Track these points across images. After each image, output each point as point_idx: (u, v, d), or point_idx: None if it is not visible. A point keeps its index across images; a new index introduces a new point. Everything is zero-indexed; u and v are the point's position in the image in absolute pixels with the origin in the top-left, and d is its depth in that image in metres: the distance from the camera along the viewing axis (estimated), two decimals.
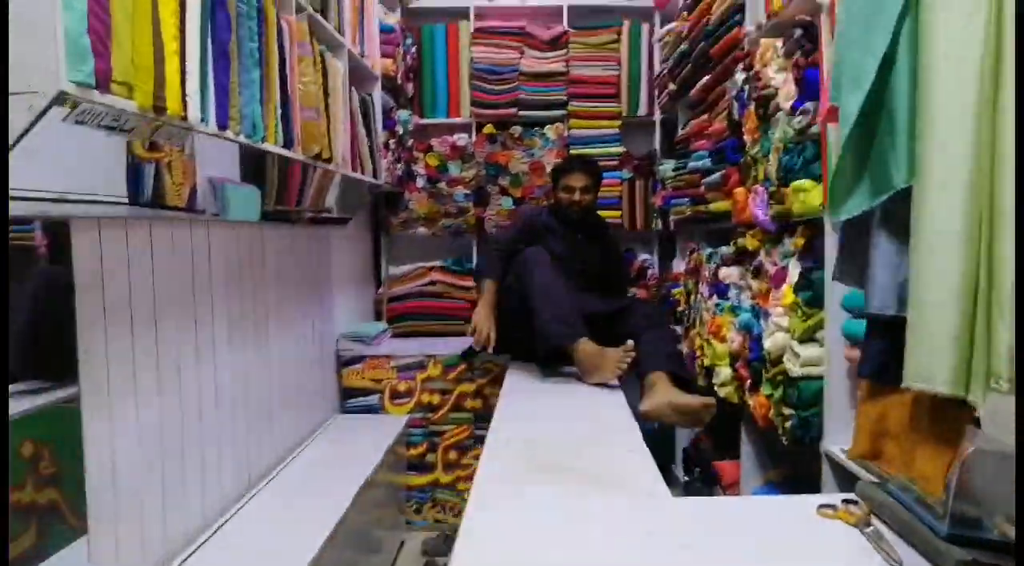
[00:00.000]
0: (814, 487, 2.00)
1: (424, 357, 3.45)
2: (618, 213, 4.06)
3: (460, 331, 3.97)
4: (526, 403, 2.38)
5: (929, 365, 0.91)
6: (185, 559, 1.86)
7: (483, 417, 3.42)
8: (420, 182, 4.08)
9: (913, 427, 0.98)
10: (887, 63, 0.92)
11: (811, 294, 2.00)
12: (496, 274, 2.98)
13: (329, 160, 2.62)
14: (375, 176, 3.34)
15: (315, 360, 3.09)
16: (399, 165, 3.88)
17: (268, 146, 2.04)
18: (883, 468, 1.01)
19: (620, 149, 4.09)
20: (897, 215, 0.96)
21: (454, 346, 3.55)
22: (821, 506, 1.39)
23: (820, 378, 1.98)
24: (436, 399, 3.43)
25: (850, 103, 0.94)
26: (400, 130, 3.77)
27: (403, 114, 3.82)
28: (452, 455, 3.44)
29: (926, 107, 0.90)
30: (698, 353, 2.92)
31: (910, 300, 0.93)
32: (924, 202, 0.91)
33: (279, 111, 2.12)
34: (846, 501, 1.40)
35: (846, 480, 1.88)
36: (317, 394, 3.10)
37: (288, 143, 2.21)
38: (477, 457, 3.37)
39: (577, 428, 2.01)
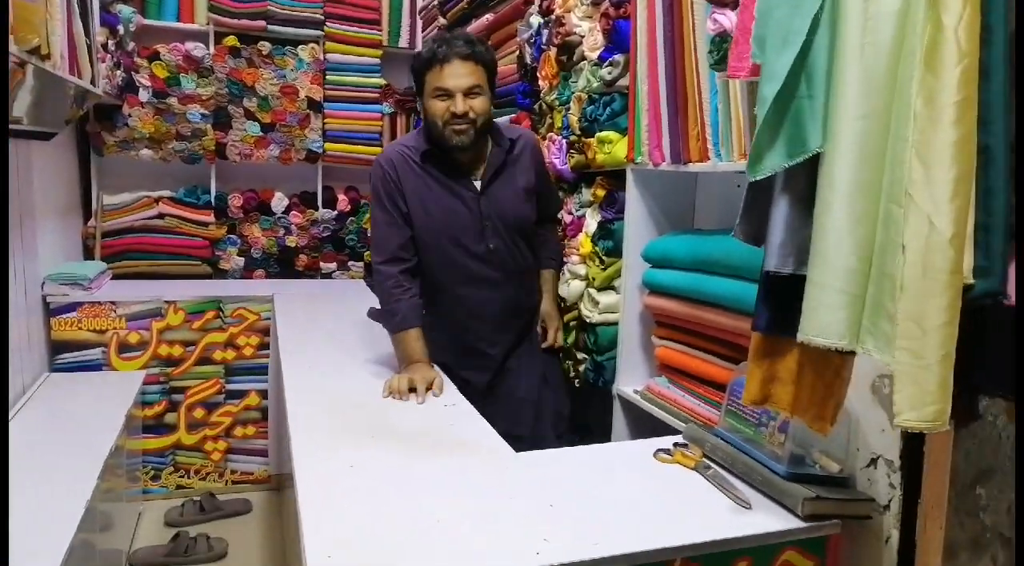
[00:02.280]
0: (604, 432, 2.11)
1: (161, 303, 2.96)
2: (379, 150, 3.85)
3: (199, 272, 3.51)
4: (314, 354, 2.16)
5: (827, 321, 0.95)
6: None
7: (237, 370, 3.07)
8: (144, 95, 3.44)
9: (800, 373, 1.04)
10: (813, 25, 0.92)
11: (611, 244, 2.06)
12: (410, 318, 1.91)
13: (47, 57, 2.06)
14: (93, 82, 2.73)
15: (18, 309, 2.48)
16: (119, 72, 3.23)
17: None
18: (774, 409, 1.07)
19: (381, 81, 3.85)
20: (800, 177, 0.98)
21: (196, 290, 3.11)
22: (658, 451, 1.45)
23: (615, 324, 2.07)
24: (177, 351, 2.98)
25: (778, 62, 0.93)
26: (121, 30, 3.12)
27: (125, 10, 3.17)
28: (198, 413, 3.04)
29: (840, 78, 0.92)
30: None
31: (811, 259, 0.97)
32: (832, 167, 0.94)
33: None
34: (676, 444, 1.48)
35: (638, 421, 2.02)
36: (21, 350, 2.50)
37: None
38: (229, 414, 3.06)
39: (380, 382, 1.86)
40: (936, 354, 0.92)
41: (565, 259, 2.24)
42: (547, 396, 2.14)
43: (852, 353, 1.02)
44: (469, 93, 1.87)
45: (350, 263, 3.88)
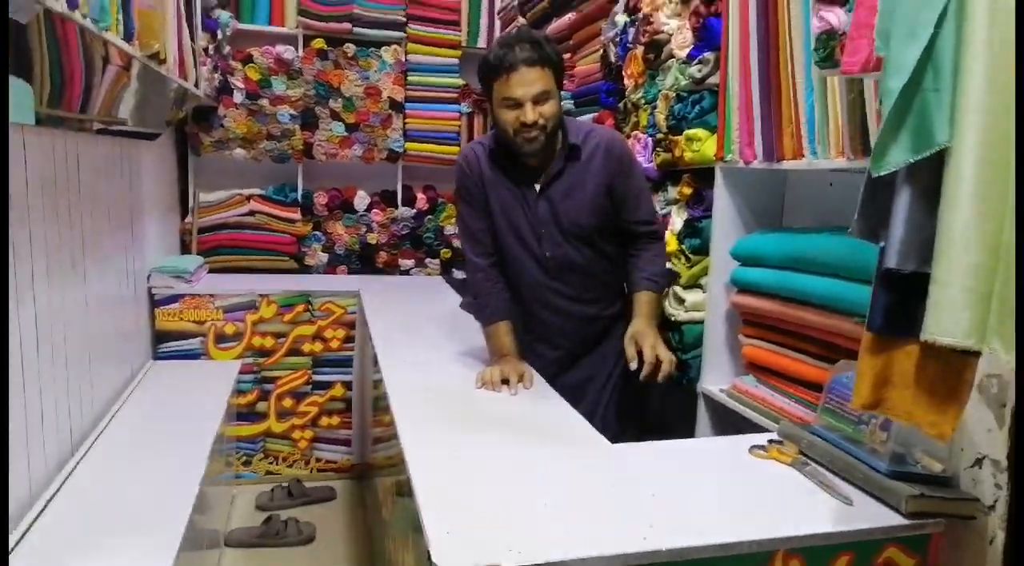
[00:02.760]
0: (686, 431, 2.12)
1: (255, 296, 3.11)
2: (457, 149, 3.93)
3: (285, 267, 3.66)
4: (405, 348, 2.24)
5: (953, 320, 0.95)
6: (24, 533, 1.51)
7: (324, 362, 3.20)
8: (238, 97, 3.61)
9: (919, 376, 1.03)
10: (940, 17, 0.92)
11: (698, 242, 2.07)
12: (500, 311, 1.97)
13: (163, 61, 2.20)
14: (196, 85, 2.89)
15: (129, 299, 2.65)
16: (216, 75, 3.40)
17: (111, 37, 1.64)
18: (888, 415, 1.07)
19: (460, 81, 3.93)
20: (924, 173, 0.98)
21: (286, 284, 3.25)
22: (753, 447, 1.46)
23: (701, 322, 2.07)
24: (269, 342, 3.13)
25: (905, 55, 0.93)
26: (220, 35, 3.28)
27: (223, 15, 3.33)
28: (287, 402, 3.18)
29: (966, 71, 0.92)
30: None
31: (936, 257, 0.97)
32: (959, 162, 0.94)
33: None
34: (771, 441, 1.49)
35: (722, 419, 2.02)
36: (131, 339, 2.67)
37: (127, 35, 1.80)
38: (315, 405, 3.18)
39: (473, 371, 1.92)
40: None
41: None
42: (605, 399, 2.08)
43: (976, 354, 1.01)
44: (538, 100, 1.80)
45: (427, 260, 3.97)
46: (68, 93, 1.86)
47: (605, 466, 1.39)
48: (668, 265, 2.15)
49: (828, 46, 1.28)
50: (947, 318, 0.96)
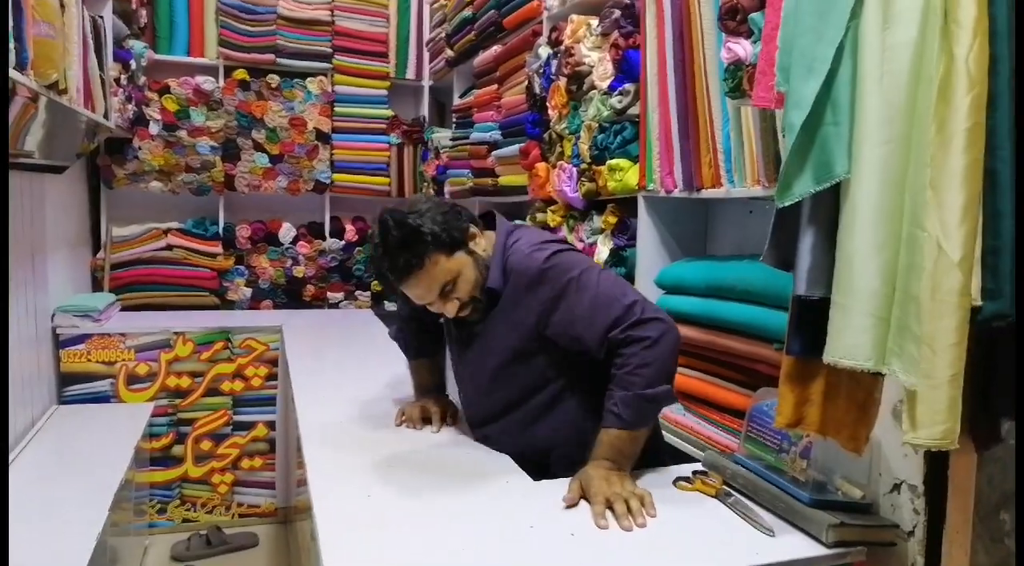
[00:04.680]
0: None
1: (170, 334, 2.96)
2: (387, 180, 3.88)
3: (206, 303, 3.51)
4: (326, 385, 2.15)
5: (853, 343, 0.96)
6: None
7: (245, 401, 3.06)
8: (154, 129, 3.48)
9: (833, 394, 1.04)
10: (837, 54, 0.93)
11: (624, 270, 2.07)
12: (425, 350, 1.89)
13: (64, 91, 2.09)
14: (106, 116, 2.77)
15: (29, 339, 2.48)
16: (130, 106, 3.27)
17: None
18: (807, 432, 1.06)
19: (388, 112, 3.89)
20: (827, 203, 0.99)
21: (205, 321, 3.11)
22: (677, 479, 1.44)
23: None
24: (186, 382, 2.97)
25: (804, 90, 0.94)
26: (133, 65, 3.17)
27: (137, 45, 3.22)
28: (205, 445, 3.02)
29: (862, 106, 0.94)
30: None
31: (836, 283, 0.98)
32: (856, 192, 0.95)
33: (11, 22, 1.61)
34: (696, 472, 1.47)
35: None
36: (31, 381, 2.50)
37: (21, 65, 1.70)
38: (236, 446, 3.04)
39: (395, 408, 1.85)
40: (945, 374, 0.93)
41: None
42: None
43: (881, 375, 1.02)
44: (444, 292, 1.52)
45: (357, 293, 3.88)
46: None
47: (526, 505, 1.33)
48: None
49: (736, 76, 1.30)
50: (847, 341, 0.96)
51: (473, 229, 1.58)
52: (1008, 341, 1.00)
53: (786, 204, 0.99)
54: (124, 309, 3.28)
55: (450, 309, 1.55)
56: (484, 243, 1.60)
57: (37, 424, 2.46)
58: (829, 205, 1.00)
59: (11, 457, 2.12)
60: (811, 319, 1.03)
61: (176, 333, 2.96)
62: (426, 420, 1.76)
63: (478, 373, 1.67)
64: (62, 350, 2.80)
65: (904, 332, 0.95)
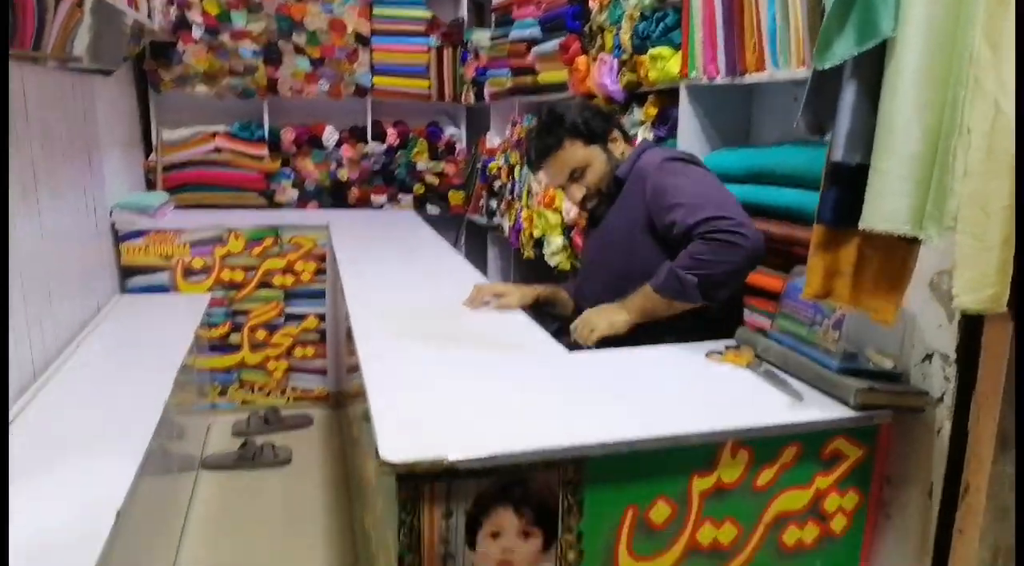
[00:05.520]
0: None
1: (222, 231, 3.07)
2: (427, 83, 3.86)
3: (255, 204, 3.61)
4: (372, 275, 2.23)
5: (891, 208, 0.96)
6: None
7: (296, 295, 3.18)
8: (197, 32, 3.49)
9: (864, 265, 1.05)
10: None
11: None
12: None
13: None
14: (149, 16, 2.79)
15: (90, 234, 2.60)
16: (172, 9, 3.28)
17: None
18: (836, 303, 1.08)
19: (427, 13, 3.83)
20: (869, 65, 0.98)
21: (255, 219, 3.20)
22: (710, 352, 1.48)
23: None
24: (239, 276, 3.10)
25: None
26: None
27: None
28: (260, 334, 3.17)
29: None
30: (525, 225, 2.93)
31: (877, 147, 0.97)
32: (902, 52, 0.93)
33: None
34: (728, 347, 1.51)
35: None
36: (95, 273, 2.64)
37: None
38: (289, 336, 3.18)
39: (441, 294, 1.92)
40: (998, 236, 0.93)
41: None
42: None
43: (917, 242, 1.03)
44: (574, 177, 1.72)
45: (400, 196, 3.93)
46: (20, 31, 1.80)
47: (561, 372, 1.40)
48: None
49: None
50: (885, 205, 0.97)
51: (616, 133, 1.77)
52: None
53: (826, 66, 0.98)
54: (177, 207, 3.39)
55: (576, 193, 1.74)
56: (623, 148, 1.78)
57: (103, 310, 2.61)
58: (871, 67, 0.98)
59: (78, 339, 2.26)
60: (846, 186, 1.03)
61: (228, 229, 3.07)
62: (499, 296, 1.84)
63: (593, 250, 1.87)
64: (122, 244, 2.93)
65: (943, 194, 0.95)
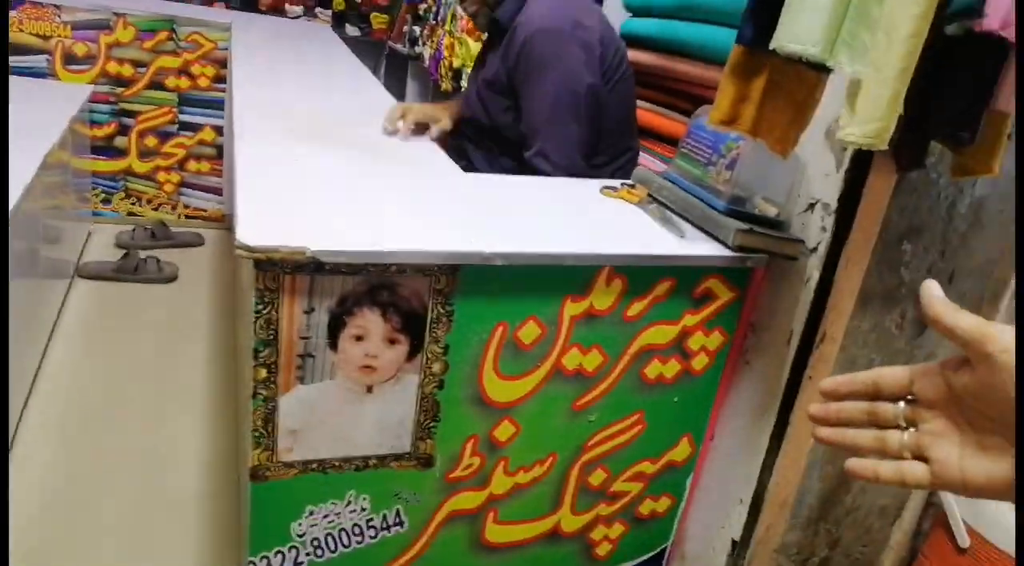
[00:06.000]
0: None
1: (110, 14, 2.75)
2: None
3: None
4: (269, 83, 2.06)
5: (804, 27, 0.91)
6: None
7: (191, 101, 2.94)
8: None
9: (771, 93, 1.01)
10: None
11: None
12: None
13: None
14: None
15: None
16: None
17: None
18: (739, 130, 1.05)
19: None
20: None
21: (147, 4, 2.88)
22: (604, 187, 1.46)
23: None
24: (128, 71, 2.82)
25: None
26: None
27: None
28: (150, 141, 2.94)
29: None
30: (446, 54, 2.77)
31: None
32: None
33: None
34: (624, 183, 1.49)
35: None
36: None
37: None
38: (182, 146, 2.98)
39: (348, 108, 1.79)
40: (896, 66, 0.89)
41: None
42: None
43: (826, 73, 0.99)
44: None
45: (317, 9, 3.63)
46: None
47: (452, 189, 1.35)
48: None
49: None
50: (798, 25, 0.92)
51: None
52: (964, 55, 0.96)
53: None
54: None
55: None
56: None
57: None
58: None
59: None
60: (770, 7, 0.96)
61: (116, 14, 2.75)
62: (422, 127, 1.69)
63: (470, 92, 1.77)
64: None
65: (862, 18, 0.90)
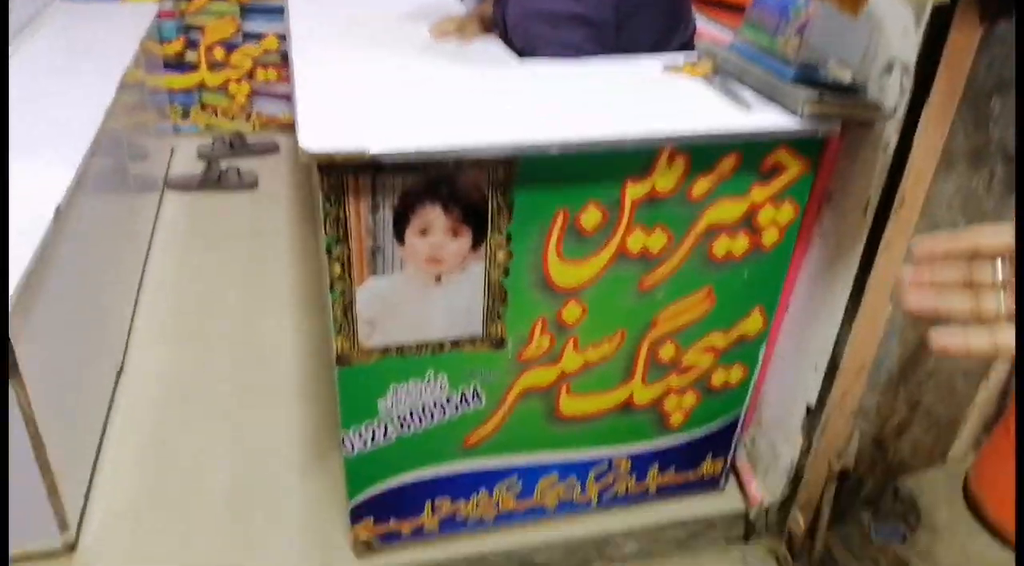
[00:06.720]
0: None
1: None
2: None
3: None
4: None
5: None
6: None
7: (253, 10, 2.95)
8: None
9: None
10: None
11: None
12: None
13: None
14: None
15: None
16: None
17: None
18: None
19: None
20: None
21: None
22: (667, 65, 1.40)
23: None
24: None
25: None
26: None
27: None
28: (218, 53, 3.00)
29: None
30: None
31: None
32: None
33: None
34: (687, 60, 1.42)
35: None
36: None
37: None
38: (248, 56, 3.01)
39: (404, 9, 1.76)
40: None
41: None
42: None
43: None
44: None
45: None
46: None
47: (507, 80, 1.33)
48: None
49: None
50: None
51: None
52: None
53: None
54: None
55: None
56: None
57: (34, 22, 2.41)
58: None
59: (12, 48, 2.11)
60: None
61: None
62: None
63: None
64: None
65: None
